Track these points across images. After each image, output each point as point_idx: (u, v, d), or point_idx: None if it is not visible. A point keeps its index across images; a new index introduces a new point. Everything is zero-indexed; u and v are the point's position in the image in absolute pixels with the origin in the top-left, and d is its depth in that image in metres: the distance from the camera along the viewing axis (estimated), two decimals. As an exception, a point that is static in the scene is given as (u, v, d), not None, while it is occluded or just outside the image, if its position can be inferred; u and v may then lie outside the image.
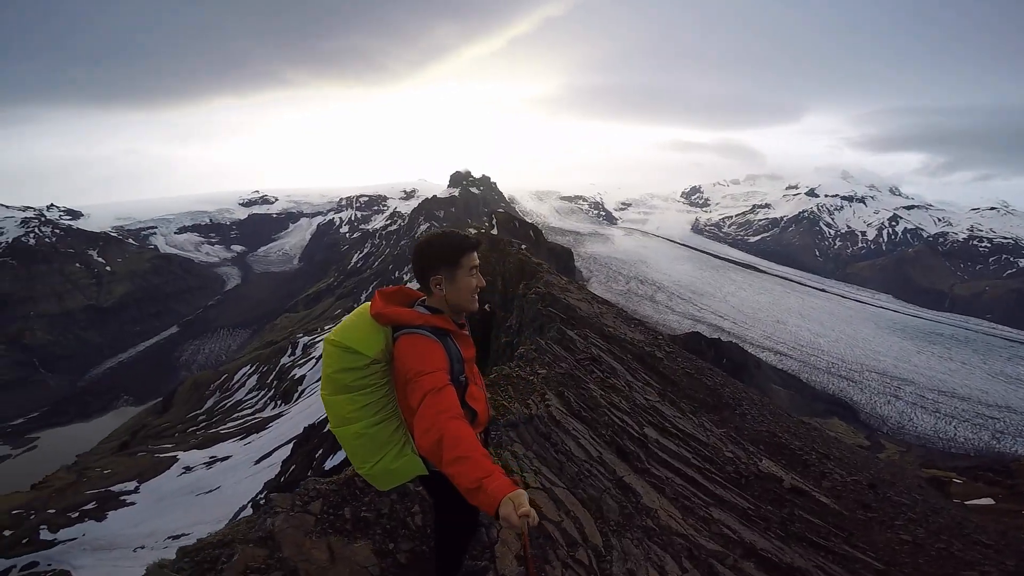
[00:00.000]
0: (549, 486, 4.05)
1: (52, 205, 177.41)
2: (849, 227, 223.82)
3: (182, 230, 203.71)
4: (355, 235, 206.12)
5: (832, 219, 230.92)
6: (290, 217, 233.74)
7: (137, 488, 27.69)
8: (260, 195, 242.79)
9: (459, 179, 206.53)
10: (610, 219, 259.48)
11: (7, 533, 23.67)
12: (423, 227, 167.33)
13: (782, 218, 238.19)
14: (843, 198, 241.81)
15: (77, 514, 24.38)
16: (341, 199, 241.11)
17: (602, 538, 3.58)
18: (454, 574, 2.82)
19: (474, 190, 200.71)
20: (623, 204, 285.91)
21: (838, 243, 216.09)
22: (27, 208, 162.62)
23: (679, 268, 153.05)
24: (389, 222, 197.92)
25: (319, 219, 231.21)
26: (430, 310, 2.26)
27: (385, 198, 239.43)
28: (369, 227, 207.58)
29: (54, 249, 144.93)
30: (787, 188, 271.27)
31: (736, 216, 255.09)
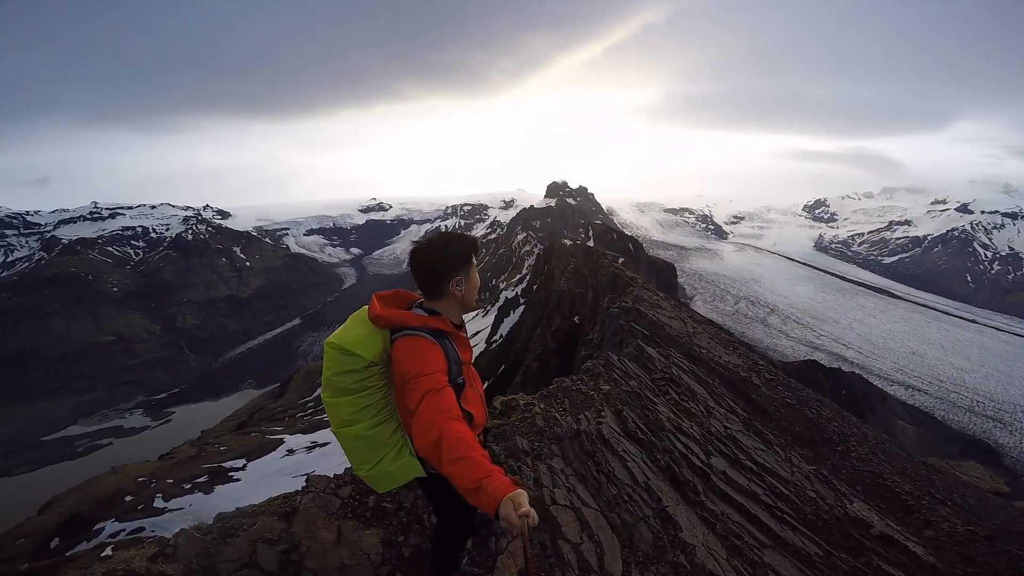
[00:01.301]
0: (579, 505, 3.73)
1: (207, 206, 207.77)
2: (1012, 249, 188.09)
3: (309, 232, 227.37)
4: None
5: (990, 239, 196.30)
6: (401, 224, 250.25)
7: (245, 466, 30.97)
8: (377, 202, 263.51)
9: (556, 190, 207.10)
10: (719, 233, 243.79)
11: (128, 499, 27.57)
12: (520, 236, 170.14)
13: (925, 237, 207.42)
14: (1004, 215, 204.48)
15: (189, 486, 27.73)
16: (447, 207, 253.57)
17: (623, 568, 3.20)
18: (453, 570, 2.86)
19: (571, 201, 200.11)
20: (735, 217, 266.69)
21: (996, 267, 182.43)
22: (188, 208, 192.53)
23: (797, 289, 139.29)
24: (489, 231, 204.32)
25: (427, 226, 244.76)
26: (428, 312, 2.26)
27: (486, 207, 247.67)
28: (471, 235, 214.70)
29: (206, 245, 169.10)
30: (932, 203, 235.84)
31: (869, 233, 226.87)
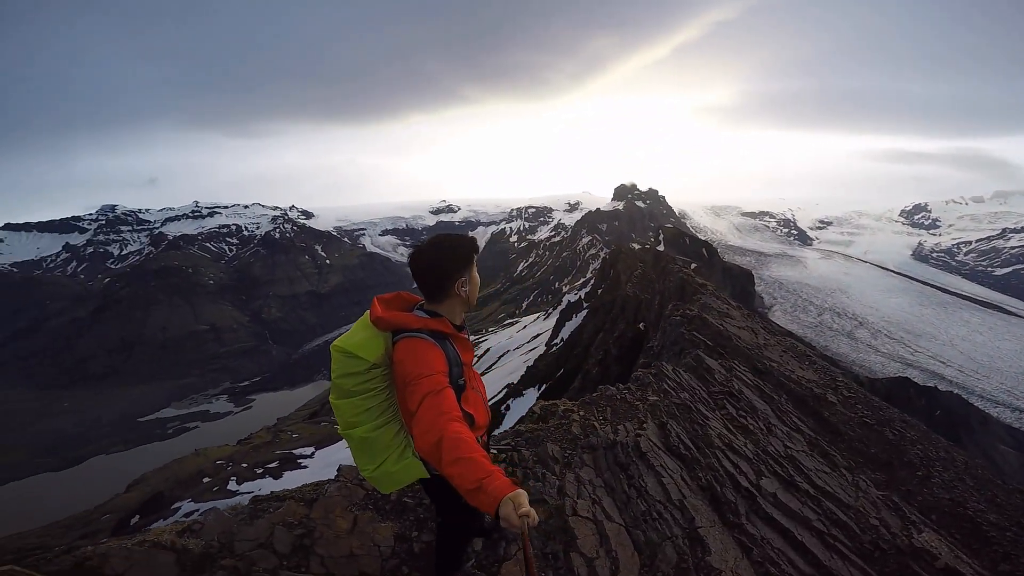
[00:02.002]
0: (602, 519, 3.49)
1: (293, 206, 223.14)
2: None
3: (384, 233, 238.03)
4: (522, 245, 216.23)
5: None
6: (469, 225, 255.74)
7: (313, 453, 32.66)
8: (446, 204, 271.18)
9: (624, 192, 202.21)
10: (803, 239, 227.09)
11: (206, 480, 29.76)
12: (585, 239, 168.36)
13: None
14: None
15: (261, 471, 29.56)
16: (512, 210, 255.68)
17: (636, 586, 2.95)
18: (455, 569, 2.87)
19: (640, 204, 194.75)
20: (821, 222, 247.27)
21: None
22: (276, 208, 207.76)
23: (891, 301, 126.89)
24: (553, 233, 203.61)
25: (493, 228, 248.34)
26: (428, 314, 2.27)
27: (550, 210, 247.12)
28: (535, 237, 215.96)
29: (292, 243, 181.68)
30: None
31: (978, 242, 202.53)
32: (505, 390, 39.06)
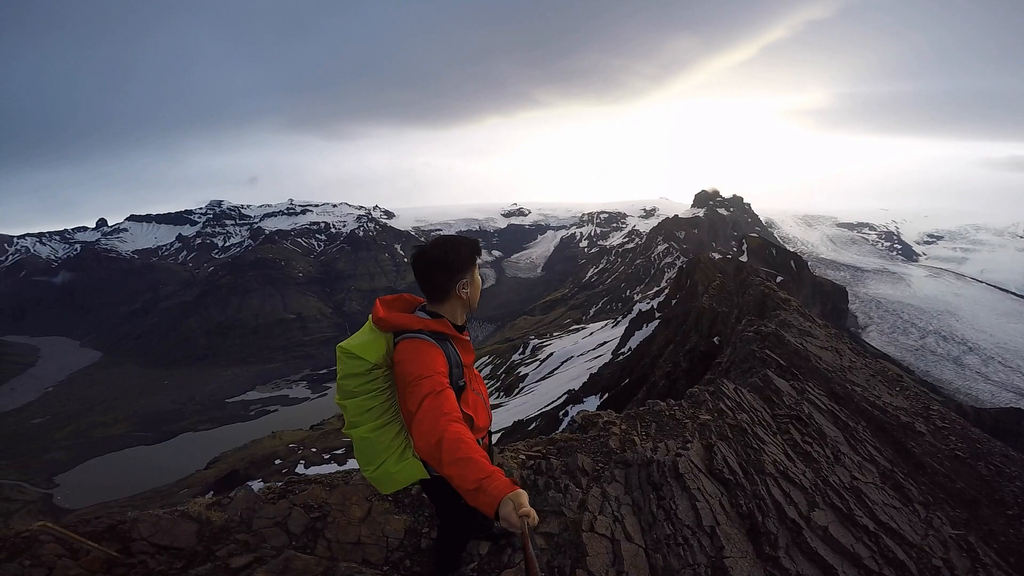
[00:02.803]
0: (619, 538, 3.25)
1: (376, 206, 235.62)
2: None
3: (458, 234, 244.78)
4: (593, 250, 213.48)
5: None
6: (539, 229, 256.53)
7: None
8: (517, 208, 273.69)
9: (705, 199, 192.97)
10: (908, 254, 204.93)
11: (277, 462, 31.72)
12: (661, 247, 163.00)
13: None
14: None
15: (328, 456, 31.14)
16: (583, 214, 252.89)
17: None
18: (454, 569, 2.89)
19: (723, 211, 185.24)
20: (930, 237, 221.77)
21: None
22: (361, 207, 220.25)
23: (1009, 327, 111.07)
24: (626, 240, 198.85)
25: (563, 232, 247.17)
26: (430, 315, 2.28)
27: (624, 215, 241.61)
28: (607, 243, 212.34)
29: (373, 241, 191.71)
30: None
31: None
32: (565, 396, 38.70)
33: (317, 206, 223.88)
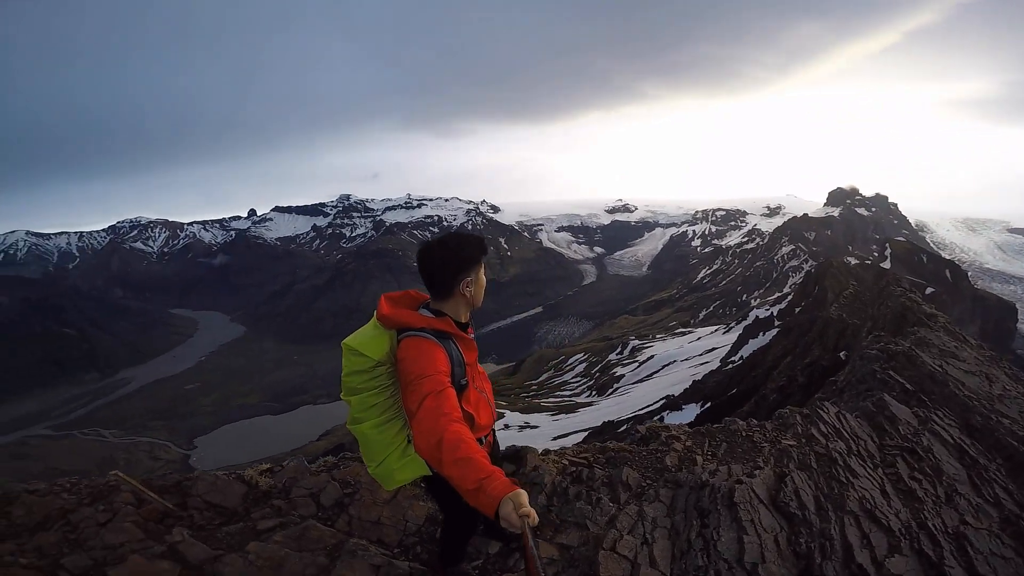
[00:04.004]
0: (642, 563, 2.94)
1: (484, 200, 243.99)
2: None
3: (560, 229, 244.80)
4: (706, 249, 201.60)
5: None
6: (646, 226, 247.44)
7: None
8: (622, 204, 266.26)
9: (841, 197, 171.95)
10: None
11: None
12: (786, 248, 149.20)
13: None
14: None
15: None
16: (696, 212, 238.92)
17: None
18: (456, 563, 2.92)
19: (862, 211, 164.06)
20: None
21: None
22: (470, 202, 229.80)
23: None
24: (745, 239, 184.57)
25: (672, 230, 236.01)
26: (433, 313, 2.27)
27: (744, 213, 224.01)
28: (722, 243, 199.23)
29: (481, 234, 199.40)
30: None
31: None
32: (662, 401, 37.10)
33: (431, 200, 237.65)
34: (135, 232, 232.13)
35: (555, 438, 30.64)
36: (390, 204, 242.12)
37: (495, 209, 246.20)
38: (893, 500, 4.46)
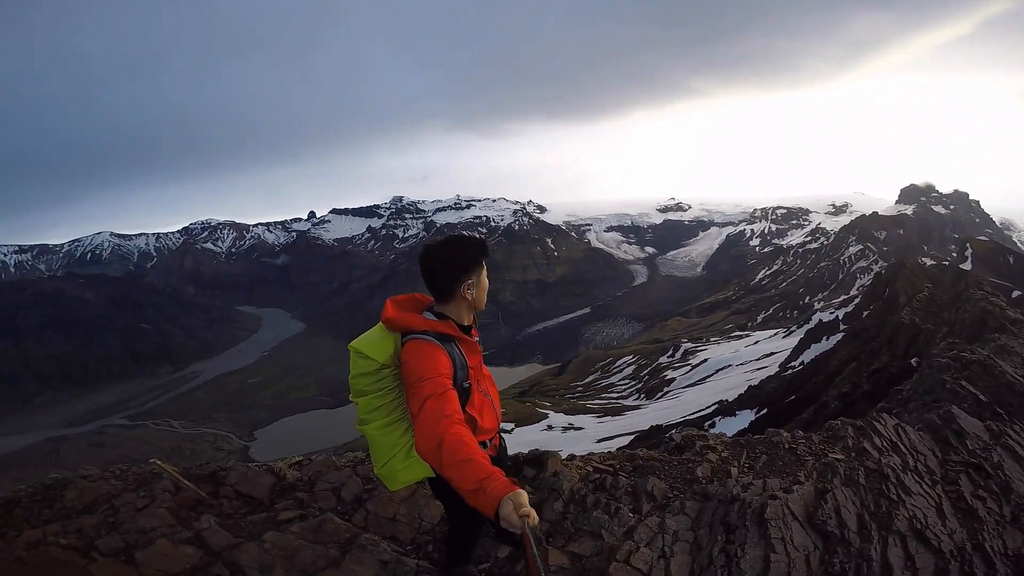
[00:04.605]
0: None
1: (530, 201, 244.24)
2: None
3: (609, 229, 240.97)
4: (766, 249, 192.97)
5: None
6: (700, 225, 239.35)
7: (512, 429, 35.43)
8: (675, 202, 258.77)
9: (914, 194, 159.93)
10: None
11: None
12: (854, 248, 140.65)
13: None
14: None
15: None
16: (755, 210, 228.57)
17: None
18: (462, 564, 2.93)
19: (939, 209, 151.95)
20: None
21: None
22: (517, 202, 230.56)
23: None
24: (809, 239, 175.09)
25: (729, 229, 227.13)
26: (436, 316, 2.29)
27: (807, 211, 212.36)
28: (783, 242, 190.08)
29: (527, 234, 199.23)
30: None
31: None
32: (715, 406, 35.84)
33: (479, 201, 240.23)
34: (205, 233, 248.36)
35: (599, 440, 30.23)
36: (440, 205, 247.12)
37: (542, 209, 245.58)
38: (949, 519, 4.09)
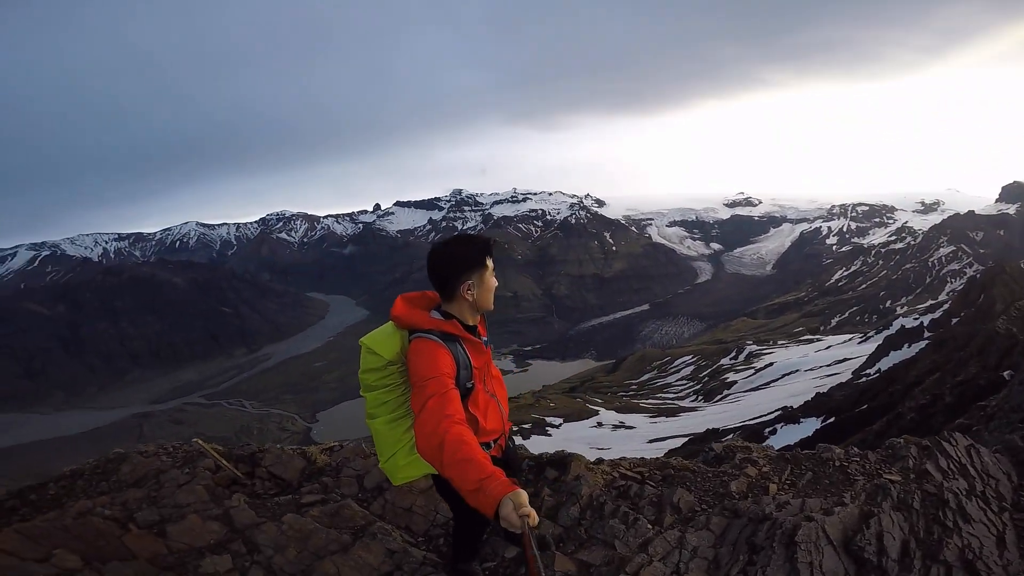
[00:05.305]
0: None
1: (588, 195, 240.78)
2: None
3: (671, 224, 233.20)
4: (844, 248, 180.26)
5: None
6: (772, 221, 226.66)
7: (560, 425, 35.30)
8: (744, 197, 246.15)
9: (1018, 192, 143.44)
10: None
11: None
12: (945, 250, 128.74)
13: None
14: None
15: (516, 429, 33.41)
16: (833, 206, 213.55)
17: None
18: (467, 560, 2.95)
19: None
20: None
21: None
22: (574, 195, 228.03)
23: None
24: (893, 238, 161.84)
25: (803, 226, 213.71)
26: (443, 315, 2.30)
27: (892, 209, 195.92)
28: (864, 241, 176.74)
29: (584, 228, 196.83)
30: None
31: None
32: (778, 412, 34.08)
33: (535, 194, 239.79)
34: (280, 224, 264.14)
35: (650, 441, 29.54)
36: (497, 198, 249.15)
37: (600, 203, 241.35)
38: (1009, 550, 3.68)
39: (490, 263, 2.31)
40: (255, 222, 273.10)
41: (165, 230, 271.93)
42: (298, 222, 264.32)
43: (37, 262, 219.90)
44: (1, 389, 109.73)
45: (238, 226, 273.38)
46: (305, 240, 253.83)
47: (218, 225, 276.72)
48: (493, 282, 2.35)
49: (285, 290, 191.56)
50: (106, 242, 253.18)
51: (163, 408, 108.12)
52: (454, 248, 2.26)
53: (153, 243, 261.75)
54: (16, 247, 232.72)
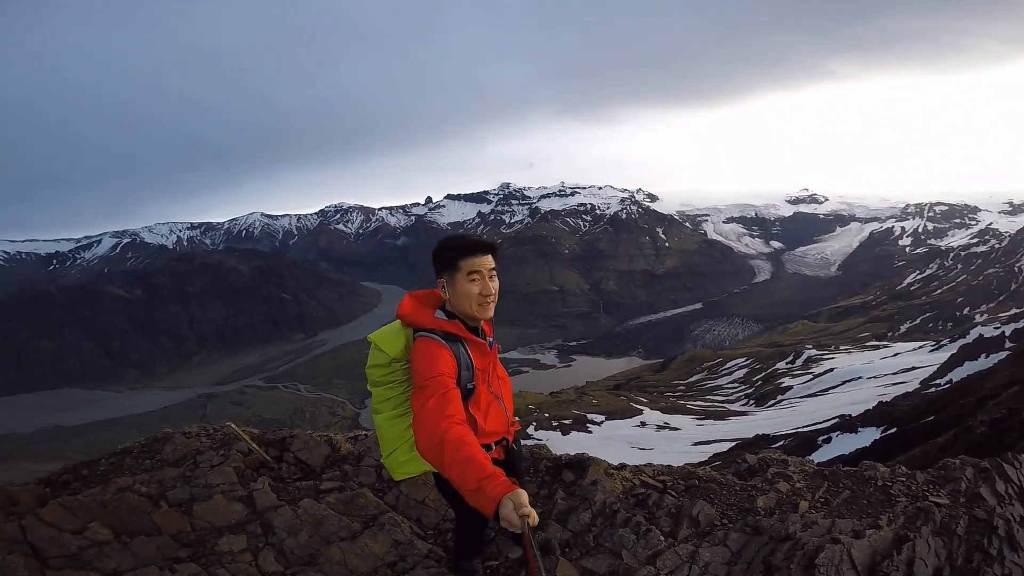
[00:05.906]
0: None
1: (639, 189, 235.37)
2: None
3: (729, 220, 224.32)
4: (919, 250, 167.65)
5: None
6: (838, 220, 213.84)
7: (601, 423, 34.86)
8: (809, 194, 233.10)
9: None
10: None
11: (517, 418, 35.37)
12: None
13: None
14: None
15: (556, 424, 33.23)
16: (908, 205, 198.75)
17: None
18: (469, 557, 2.98)
19: None
20: None
21: None
22: (625, 190, 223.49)
23: None
24: (974, 240, 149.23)
25: (873, 225, 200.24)
26: (447, 314, 2.31)
27: (975, 209, 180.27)
28: (942, 243, 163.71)
29: (635, 223, 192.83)
30: None
31: None
32: (834, 420, 32.28)
33: (584, 188, 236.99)
34: (337, 216, 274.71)
35: (695, 443, 28.70)
36: (545, 192, 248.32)
37: (652, 198, 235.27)
38: None
39: (466, 266, 2.23)
40: (314, 213, 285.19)
41: (232, 220, 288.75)
42: (354, 214, 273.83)
43: (119, 249, 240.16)
44: (83, 367, 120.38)
45: (299, 217, 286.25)
46: (360, 231, 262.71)
47: (280, 216, 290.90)
48: (470, 289, 2.24)
49: (341, 279, 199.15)
50: (180, 231, 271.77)
51: (225, 390, 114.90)
52: (440, 244, 2.30)
53: (221, 232, 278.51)
54: (101, 235, 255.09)
